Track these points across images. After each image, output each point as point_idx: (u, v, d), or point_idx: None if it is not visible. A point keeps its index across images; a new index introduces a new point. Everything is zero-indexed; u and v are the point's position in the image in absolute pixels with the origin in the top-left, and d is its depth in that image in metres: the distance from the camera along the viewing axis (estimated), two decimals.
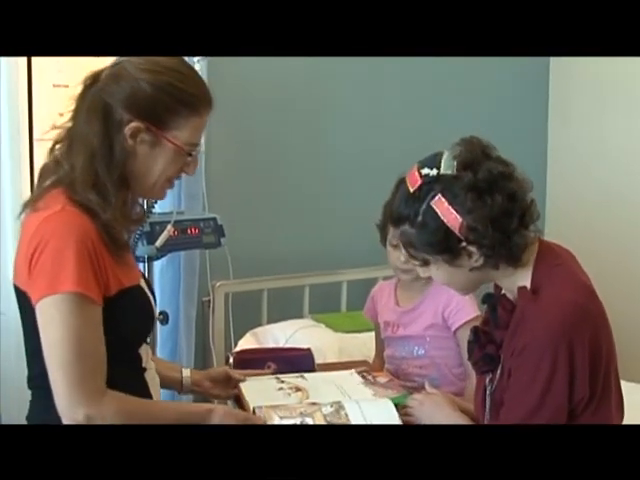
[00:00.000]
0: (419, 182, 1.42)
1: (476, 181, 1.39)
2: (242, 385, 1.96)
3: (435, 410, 1.72)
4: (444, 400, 1.76)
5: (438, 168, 1.41)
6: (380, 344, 2.31)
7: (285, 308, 3.26)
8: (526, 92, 3.86)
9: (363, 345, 2.88)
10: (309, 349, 2.24)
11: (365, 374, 2.07)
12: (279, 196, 3.33)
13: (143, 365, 1.59)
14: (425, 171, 1.42)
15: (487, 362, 1.52)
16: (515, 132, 3.76)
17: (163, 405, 1.65)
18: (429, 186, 1.41)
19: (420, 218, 1.42)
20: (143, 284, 1.62)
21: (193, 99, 1.49)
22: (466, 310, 2.04)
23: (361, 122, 3.45)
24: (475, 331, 1.56)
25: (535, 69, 3.83)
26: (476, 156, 1.42)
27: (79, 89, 1.50)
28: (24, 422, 1.58)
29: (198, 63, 2.64)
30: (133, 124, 1.45)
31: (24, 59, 2.44)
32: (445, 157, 1.42)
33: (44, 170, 1.53)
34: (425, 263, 1.49)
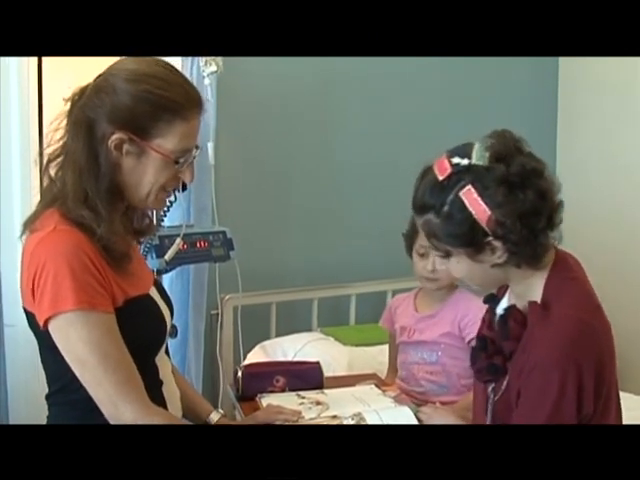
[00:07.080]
0: (449, 171, 1.37)
1: (508, 175, 1.35)
2: (263, 401, 1.96)
3: (443, 423, 1.72)
4: (452, 414, 1.78)
5: (469, 158, 1.37)
6: (394, 352, 2.30)
7: (294, 321, 3.26)
8: (535, 97, 3.86)
9: (372, 358, 2.87)
10: (318, 362, 2.24)
11: (376, 388, 2.08)
12: (288, 209, 3.34)
13: (160, 377, 1.58)
14: (456, 160, 1.37)
15: (492, 372, 1.48)
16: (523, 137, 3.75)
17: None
18: (459, 176, 1.36)
19: (446, 208, 1.37)
20: (154, 292, 1.62)
21: (174, 104, 1.46)
22: None
23: (368, 134, 3.45)
24: (483, 340, 1.52)
25: (544, 73, 3.83)
26: (509, 149, 1.38)
27: (68, 105, 1.50)
28: None
29: (208, 77, 2.65)
30: (115, 136, 1.45)
31: (35, 74, 2.46)
32: (477, 148, 1.38)
33: (44, 191, 1.54)
34: (447, 255, 1.44)
